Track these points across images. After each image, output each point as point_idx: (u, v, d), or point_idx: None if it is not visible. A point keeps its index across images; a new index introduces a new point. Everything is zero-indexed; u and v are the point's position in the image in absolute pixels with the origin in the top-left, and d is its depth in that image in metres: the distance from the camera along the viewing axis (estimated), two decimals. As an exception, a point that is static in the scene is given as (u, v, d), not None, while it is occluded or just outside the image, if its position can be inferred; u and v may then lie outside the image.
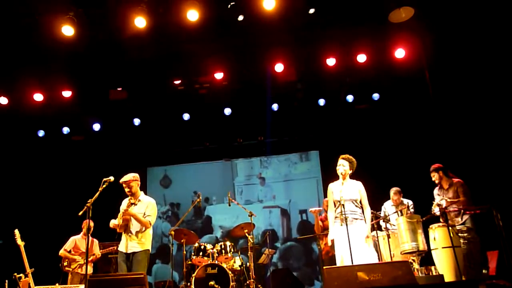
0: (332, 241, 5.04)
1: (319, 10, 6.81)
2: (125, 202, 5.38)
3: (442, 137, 7.65)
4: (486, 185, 6.51)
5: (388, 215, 6.56)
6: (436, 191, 6.17)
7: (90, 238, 7.03)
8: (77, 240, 7.01)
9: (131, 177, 5.32)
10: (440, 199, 5.99)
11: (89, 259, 6.98)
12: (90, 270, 6.92)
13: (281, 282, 6.92)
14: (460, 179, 6.01)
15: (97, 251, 7.07)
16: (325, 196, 6.35)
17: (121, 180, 5.23)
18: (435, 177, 6.12)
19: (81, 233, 7.12)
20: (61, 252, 6.90)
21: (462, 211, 5.79)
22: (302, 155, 9.97)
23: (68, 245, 6.96)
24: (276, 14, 6.56)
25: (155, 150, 9.95)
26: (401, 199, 6.69)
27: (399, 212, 6.37)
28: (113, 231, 5.41)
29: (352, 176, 5.23)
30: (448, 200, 5.87)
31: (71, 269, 6.80)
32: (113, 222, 5.26)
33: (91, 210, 4.54)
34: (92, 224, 6.99)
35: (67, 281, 6.75)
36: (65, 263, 6.85)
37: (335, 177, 5.28)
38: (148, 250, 5.24)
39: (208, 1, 6.45)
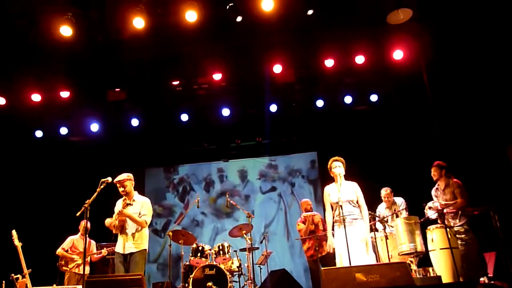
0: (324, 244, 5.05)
1: (318, 12, 6.81)
2: (119, 203, 5.37)
3: (439, 138, 7.66)
4: (483, 186, 6.52)
5: (386, 217, 6.56)
6: (433, 191, 6.14)
7: (88, 238, 7.05)
8: (75, 240, 7.01)
9: (126, 177, 5.31)
10: (433, 202, 5.96)
11: (94, 257, 7.00)
12: (87, 270, 6.90)
13: (279, 283, 6.91)
14: (459, 180, 5.99)
15: (95, 251, 7.06)
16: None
17: (116, 180, 5.22)
18: (435, 173, 6.02)
19: (79, 233, 7.11)
20: (59, 251, 6.88)
21: (459, 212, 5.79)
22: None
23: (66, 244, 6.94)
24: (275, 15, 6.56)
25: (153, 150, 9.95)
26: (393, 198, 6.69)
27: (394, 215, 6.38)
28: (109, 232, 5.40)
29: (346, 177, 5.26)
30: (443, 202, 5.85)
31: (68, 269, 6.78)
32: (108, 221, 5.26)
33: (88, 211, 4.53)
34: (89, 225, 7.00)
35: (64, 281, 6.72)
36: (63, 262, 6.83)
37: (333, 178, 5.31)
38: (145, 250, 5.23)
39: (207, 2, 6.45)
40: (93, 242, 7.16)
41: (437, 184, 6.10)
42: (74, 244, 6.95)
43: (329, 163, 5.31)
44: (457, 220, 5.83)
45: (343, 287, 3.95)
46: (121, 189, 5.28)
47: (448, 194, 5.91)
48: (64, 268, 6.79)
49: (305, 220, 7.02)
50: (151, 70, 7.98)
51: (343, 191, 5.09)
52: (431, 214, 5.79)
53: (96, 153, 9.28)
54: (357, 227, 4.97)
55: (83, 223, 7.01)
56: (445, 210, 5.71)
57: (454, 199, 5.83)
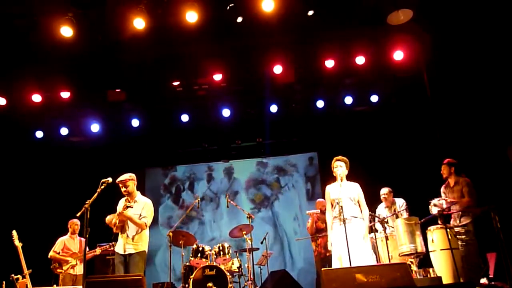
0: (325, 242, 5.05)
1: (318, 12, 6.81)
2: (121, 203, 5.36)
3: (439, 139, 7.66)
4: (484, 187, 6.50)
5: (386, 217, 6.54)
6: (442, 188, 6.09)
7: (79, 238, 7.01)
8: (65, 241, 6.86)
9: (128, 177, 5.30)
10: (438, 199, 5.94)
11: (88, 256, 6.94)
12: (82, 270, 6.84)
13: (279, 283, 6.91)
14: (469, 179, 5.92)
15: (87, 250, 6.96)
16: (323, 197, 6.35)
17: (118, 180, 5.21)
18: (444, 171, 6.01)
19: (68, 234, 6.96)
20: (51, 254, 6.73)
21: (460, 213, 5.78)
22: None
23: (58, 246, 6.79)
24: (275, 16, 6.56)
25: (153, 151, 9.95)
26: (393, 198, 6.68)
27: (394, 215, 6.37)
28: (110, 232, 5.39)
29: (348, 178, 5.26)
30: (449, 200, 5.82)
31: (63, 271, 6.65)
32: (109, 218, 5.25)
33: (89, 211, 4.52)
34: (78, 223, 6.95)
35: (59, 283, 6.62)
36: (57, 265, 6.70)
37: (334, 178, 5.31)
38: (145, 251, 5.23)
39: (207, 2, 6.45)
40: (83, 240, 7.05)
41: (447, 181, 6.06)
42: (65, 245, 6.80)
43: (332, 162, 5.31)
44: (458, 221, 5.82)
45: (343, 287, 3.94)
46: (123, 189, 5.27)
47: (456, 192, 5.86)
48: (59, 270, 6.66)
49: (314, 217, 7.06)
50: (152, 70, 7.98)
51: (344, 189, 5.10)
52: (436, 211, 5.75)
53: (96, 153, 9.28)
54: (356, 224, 4.97)
55: (74, 221, 6.93)
56: (452, 208, 5.68)
57: (461, 197, 5.78)
